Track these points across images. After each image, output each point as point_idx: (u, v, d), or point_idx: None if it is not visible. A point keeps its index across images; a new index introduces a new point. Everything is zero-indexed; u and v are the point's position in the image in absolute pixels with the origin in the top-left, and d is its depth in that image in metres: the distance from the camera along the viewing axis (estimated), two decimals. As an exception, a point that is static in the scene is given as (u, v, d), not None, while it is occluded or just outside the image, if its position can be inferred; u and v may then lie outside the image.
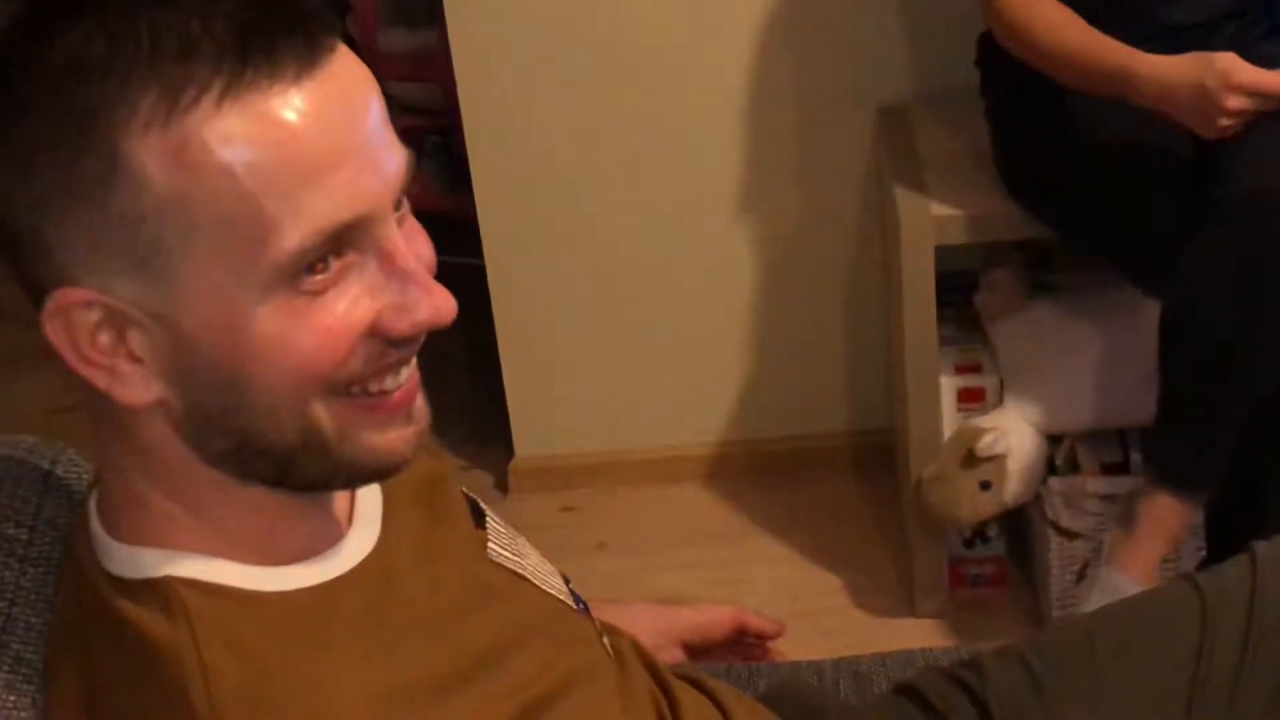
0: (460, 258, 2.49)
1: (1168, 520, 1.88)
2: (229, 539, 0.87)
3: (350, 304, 0.82)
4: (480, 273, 2.50)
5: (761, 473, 2.60)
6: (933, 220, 2.06)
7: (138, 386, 0.82)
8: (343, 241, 0.81)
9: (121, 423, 0.85)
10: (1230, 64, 1.72)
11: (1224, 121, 1.73)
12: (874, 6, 2.33)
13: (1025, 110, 2.00)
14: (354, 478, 0.90)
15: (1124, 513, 1.98)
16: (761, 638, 1.45)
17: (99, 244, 0.79)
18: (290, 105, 0.78)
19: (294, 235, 0.79)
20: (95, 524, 0.90)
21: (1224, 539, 1.92)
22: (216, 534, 0.87)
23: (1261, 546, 1.44)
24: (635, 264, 2.51)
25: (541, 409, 2.61)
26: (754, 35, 2.35)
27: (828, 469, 2.58)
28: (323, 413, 0.84)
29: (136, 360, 0.81)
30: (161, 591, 0.84)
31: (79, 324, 0.80)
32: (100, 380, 0.82)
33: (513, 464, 2.63)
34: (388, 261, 0.83)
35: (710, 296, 2.53)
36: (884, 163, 2.31)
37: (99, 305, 0.80)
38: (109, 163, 0.77)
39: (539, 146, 2.42)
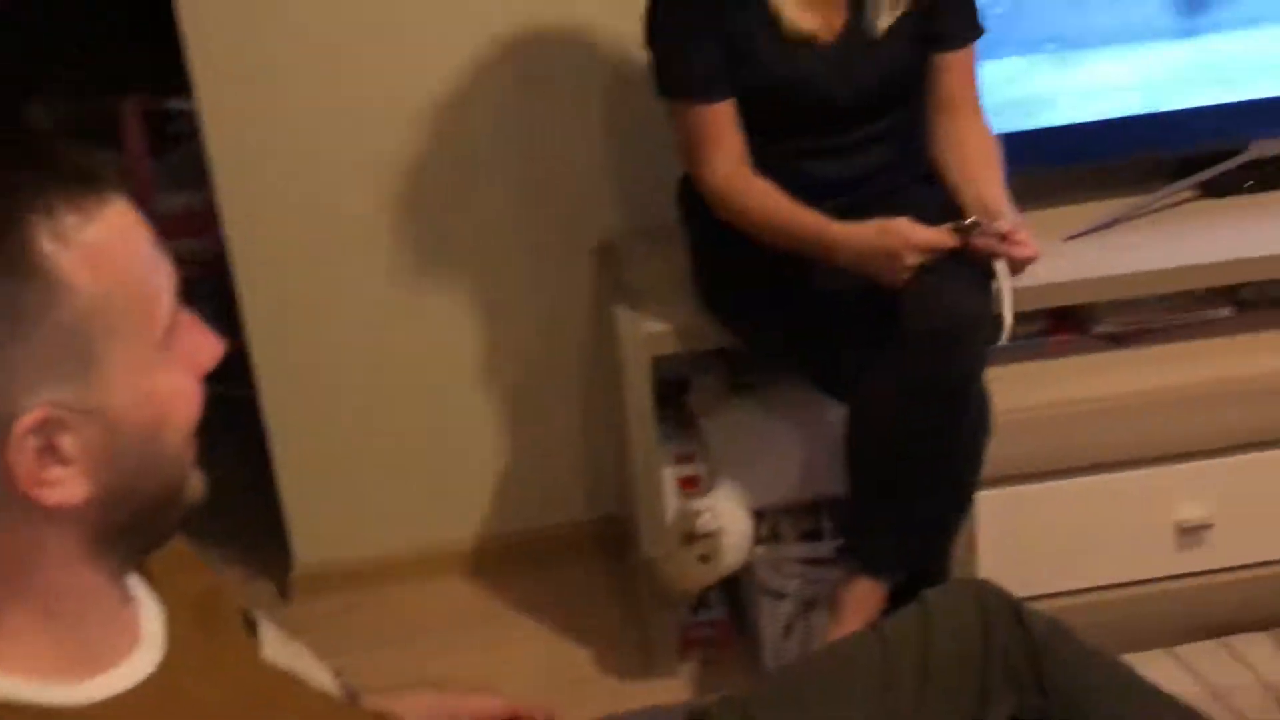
0: (235, 388, 2.47)
1: (868, 602, 1.92)
2: (37, 651, 0.85)
3: (190, 349, 0.89)
4: (252, 402, 2.47)
5: (516, 562, 2.59)
6: (647, 336, 2.10)
7: (73, 486, 0.83)
8: None
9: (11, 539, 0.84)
10: (908, 230, 1.79)
11: (904, 275, 1.80)
12: (584, 160, 2.39)
13: (718, 244, 2.04)
14: (183, 518, 0.93)
15: (830, 600, 2.02)
16: None
17: (44, 362, 0.80)
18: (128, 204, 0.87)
19: (166, 299, 0.86)
20: None
21: (901, 590, 1.96)
22: (24, 648, 0.85)
23: (931, 594, 1.51)
24: (395, 385, 2.50)
25: (317, 520, 2.57)
26: (489, 190, 2.39)
27: (573, 554, 2.60)
28: (190, 449, 0.90)
29: (65, 464, 0.82)
30: None
31: (27, 449, 0.80)
32: (46, 495, 0.82)
33: (293, 572, 2.58)
34: (183, 317, 0.90)
35: (465, 410, 2.53)
36: (604, 288, 2.36)
37: (41, 423, 0.80)
38: (46, 285, 0.80)
39: (302, 286, 2.41)
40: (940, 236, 1.79)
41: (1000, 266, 1.80)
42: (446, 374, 2.50)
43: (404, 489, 2.57)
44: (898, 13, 1.91)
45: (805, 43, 1.91)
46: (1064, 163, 2.32)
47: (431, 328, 2.47)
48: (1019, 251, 1.80)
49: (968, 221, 1.80)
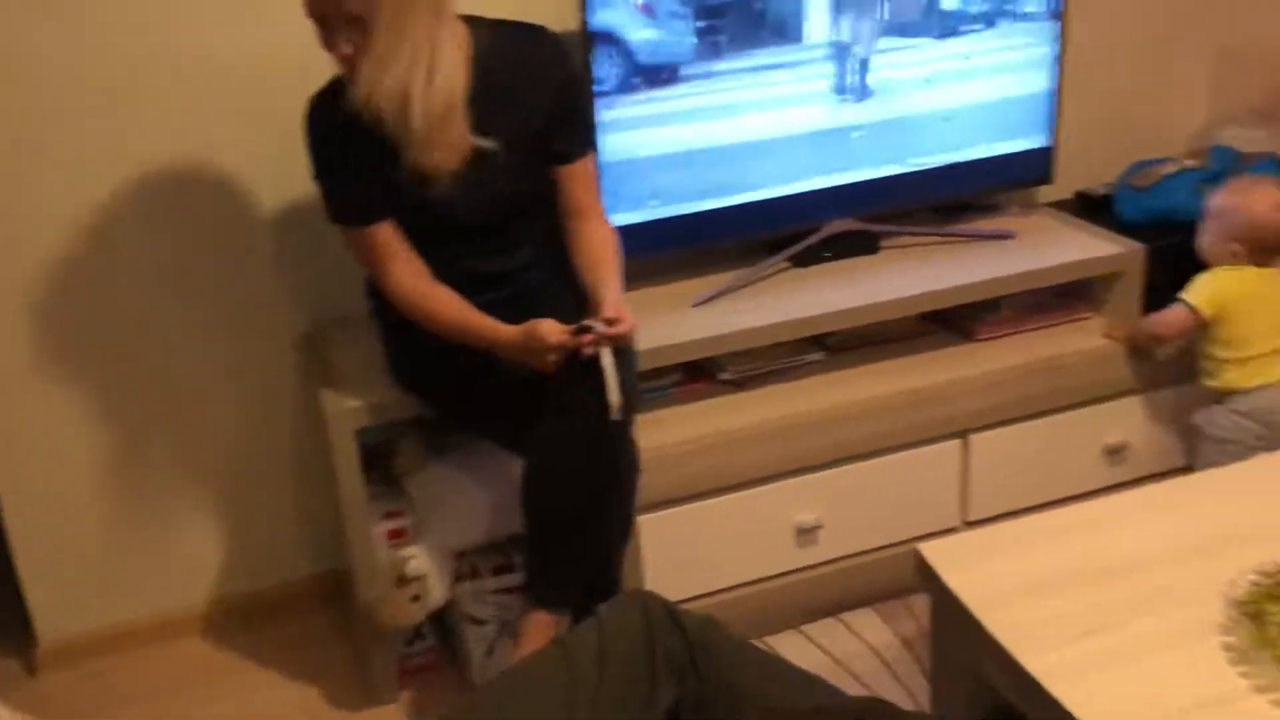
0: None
1: (544, 631, 1.90)
2: None
3: None
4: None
5: (248, 618, 2.47)
6: (349, 412, 2.05)
7: None
8: None
9: None
10: (545, 333, 1.80)
11: (551, 366, 1.82)
12: (279, 265, 2.32)
13: (404, 333, 2.01)
14: None
15: (514, 628, 2.00)
16: None
17: None
18: None
19: None
20: None
21: (581, 607, 1.96)
22: None
23: (603, 607, 1.52)
24: (120, 469, 2.35)
25: (56, 599, 2.37)
26: (194, 298, 2.30)
27: (299, 606, 2.50)
28: None
29: None
30: None
31: None
32: None
33: (39, 650, 2.37)
34: None
35: (190, 486, 2.40)
36: (308, 372, 2.29)
37: None
38: None
39: (22, 395, 2.24)
40: (571, 339, 1.81)
41: (606, 359, 1.81)
42: (171, 456, 2.37)
43: (136, 562, 2.41)
44: (481, 146, 1.89)
45: (437, 172, 1.89)
46: (687, 246, 2.39)
47: (155, 417, 2.34)
48: (618, 330, 1.82)
49: (583, 324, 1.81)
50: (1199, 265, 2.33)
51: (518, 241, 2.01)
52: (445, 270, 1.95)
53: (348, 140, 1.85)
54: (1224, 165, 2.53)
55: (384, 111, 1.79)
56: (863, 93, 2.40)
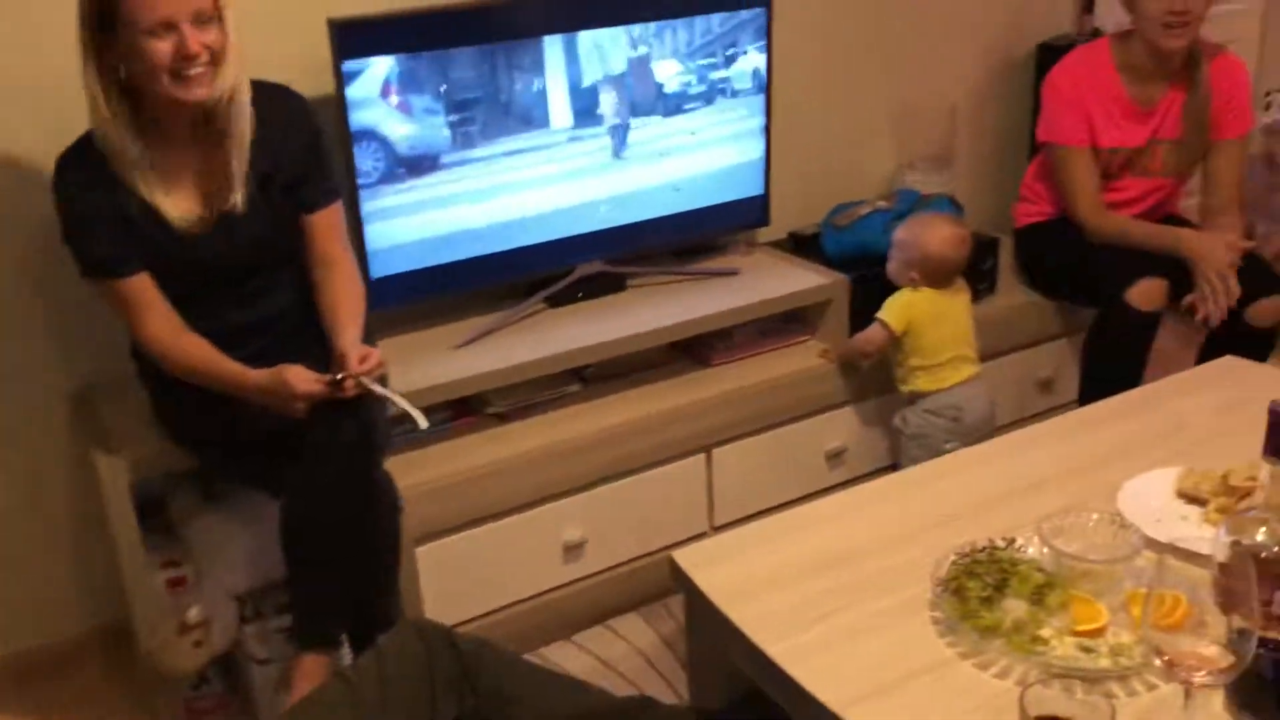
0: None
1: (314, 673, 1.80)
2: None
3: None
4: None
5: (32, 675, 2.24)
6: (122, 466, 1.91)
7: None
8: None
9: None
10: (293, 381, 1.72)
11: (301, 412, 1.74)
12: (55, 318, 2.13)
13: (167, 387, 1.89)
14: None
15: (282, 676, 1.90)
16: None
17: None
18: None
19: None
20: None
21: (362, 640, 1.89)
22: None
23: (383, 638, 1.49)
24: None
25: None
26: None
27: (85, 658, 2.28)
28: None
29: None
30: None
31: None
32: None
33: None
34: None
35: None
36: (79, 428, 2.13)
37: None
38: None
39: None
40: (317, 387, 1.73)
41: (378, 388, 1.75)
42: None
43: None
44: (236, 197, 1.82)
45: (187, 222, 1.80)
46: (446, 292, 2.35)
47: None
48: (369, 365, 1.76)
49: (336, 377, 1.74)
50: (892, 290, 2.47)
51: (271, 289, 1.92)
52: (202, 322, 1.84)
53: (101, 194, 1.73)
54: (909, 205, 2.69)
55: (219, 103, 1.74)
56: (606, 167, 2.44)
